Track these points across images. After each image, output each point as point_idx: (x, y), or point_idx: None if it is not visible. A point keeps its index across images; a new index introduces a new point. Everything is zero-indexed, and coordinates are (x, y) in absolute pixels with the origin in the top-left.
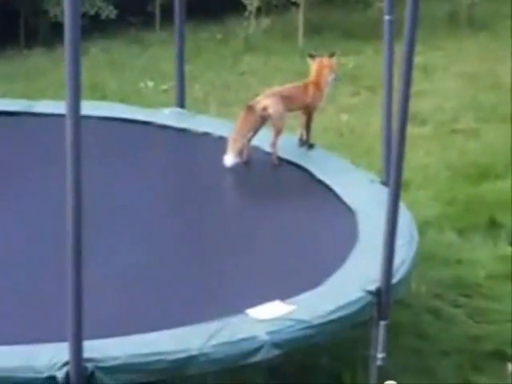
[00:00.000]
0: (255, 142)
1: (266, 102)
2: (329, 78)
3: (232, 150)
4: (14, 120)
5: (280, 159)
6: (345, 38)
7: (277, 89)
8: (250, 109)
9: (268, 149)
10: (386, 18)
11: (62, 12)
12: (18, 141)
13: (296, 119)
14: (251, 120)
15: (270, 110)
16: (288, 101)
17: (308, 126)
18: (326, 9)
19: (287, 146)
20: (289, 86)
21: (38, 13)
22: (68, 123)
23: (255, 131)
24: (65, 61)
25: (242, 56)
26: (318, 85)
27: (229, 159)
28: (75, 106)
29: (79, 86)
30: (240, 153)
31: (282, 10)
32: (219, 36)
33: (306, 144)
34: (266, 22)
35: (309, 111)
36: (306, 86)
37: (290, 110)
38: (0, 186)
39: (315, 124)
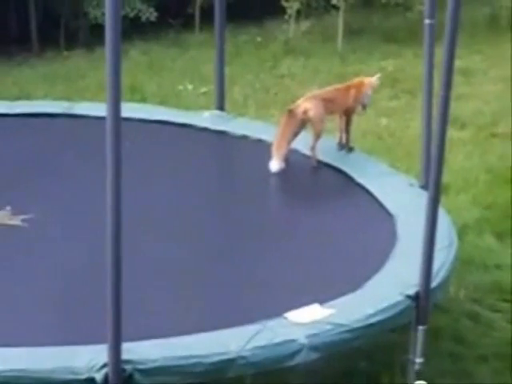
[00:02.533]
0: (295, 145)
1: (307, 105)
2: (368, 90)
3: (277, 155)
4: (54, 122)
5: (319, 162)
6: (384, 41)
7: (317, 91)
8: (291, 113)
9: (307, 152)
10: (427, 21)
11: (103, 14)
12: (57, 142)
13: (334, 122)
14: (293, 124)
15: (311, 114)
16: (329, 103)
17: (348, 129)
18: (366, 12)
19: (326, 149)
20: (330, 88)
21: (78, 15)
22: (108, 125)
23: (296, 135)
24: (105, 63)
25: (282, 59)
26: (359, 88)
27: (274, 165)
28: (116, 108)
29: (120, 89)
30: (285, 158)
31: (322, 12)
32: (259, 39)
33: (346, 147)
34: (305, 24)
35: (348, 114)
36: (347, 89)
37: (331, 112)
38: (40, 187)
39: (354, 128)
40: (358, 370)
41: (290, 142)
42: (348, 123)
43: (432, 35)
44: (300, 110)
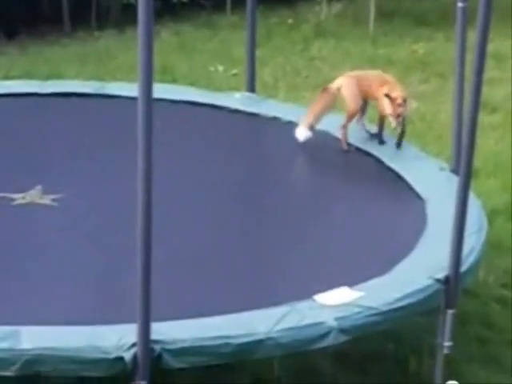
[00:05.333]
0: (326, 127)
1: (341, 81)
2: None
3: (303, 123)
4: (86, 101)
5: (349, 145)
6: (416, 25)
7: (356, 72)
8: (325, 89)
9: (338, 135)
10: (459, 5)
11: None
12: (89, 122)
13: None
14: (324, 99)
15: (344, 90)
16: (365, 86)
17: (380, 125)
18: None
19: (357, 132)
20: (369, 71)
21: None
22: (140, 106)
23: (326, 109)
24: (137, 43)
25: (313, 41)
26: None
27: (300, 133)
28: (147, 88)
29: (152, 69)
30: (311, 127)
31: None
32: (290, 21)
33: (377, 137)
34: (337, 7)
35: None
36: (382, 82)
37: (365, 96)
38: (70, 167)
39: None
40: (385, 353)
41: (317, 114)
42: (381, 121)
43: (464, 18)
44: (334, 86)
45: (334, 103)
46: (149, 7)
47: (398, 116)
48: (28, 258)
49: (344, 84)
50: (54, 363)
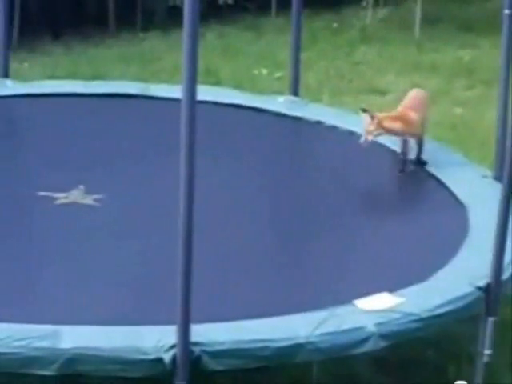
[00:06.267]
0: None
1: None
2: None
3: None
4: (129, 102)
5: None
6: (461, 31)
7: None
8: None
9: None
10: (506, 12)
11: None
12: (132, 123)
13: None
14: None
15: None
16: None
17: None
18: (444, 1)
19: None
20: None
21: None
22: (183, 108)
23: None
24: (182, 45)
25: (358, 46)
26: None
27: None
28: (191, 90)
29: (196, 71)
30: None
31: (400, 0)
32: (335, 25)
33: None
34: (383, 12)
35: None
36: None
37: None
38: (113, 168)
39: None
40: (425, 359)
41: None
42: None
43: (511, 26)
44: None
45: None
46: (194, 10)
47: (368, 132)
48: (69, 257)
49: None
50: (93, 363)
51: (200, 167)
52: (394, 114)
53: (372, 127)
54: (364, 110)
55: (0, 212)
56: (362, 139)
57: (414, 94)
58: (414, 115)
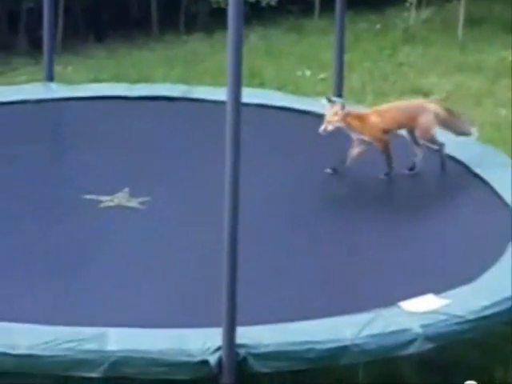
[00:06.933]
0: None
1: None
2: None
3: None
4: (173, 105)
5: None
6: (505, 31)
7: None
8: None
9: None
10: None
11: None
12: (176, 126)
13: None
14: None
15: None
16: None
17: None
18: (488, 1)
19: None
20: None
21: None
22: (228, 110)
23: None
24: (226, 48)
25: (401, 47)
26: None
27: None
28: (236, 93)
29: (241, 74)
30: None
31: (443, 1)
32: (378, 26)
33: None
34: (426, 13)
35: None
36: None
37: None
38: (158, 170)
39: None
40: (470, 362)
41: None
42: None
43: None
44: None
45: None
46: (239, 12)
47: (329, 122)
48: (114, 260)
49: None
50: (139, 365)
51: (244, 169)
52: (359, 112)
53: (336, 118)
54: (330, 100)
55: (46, 215)
56: (322, 127)
57: (398, 104)
58: (376, 120)
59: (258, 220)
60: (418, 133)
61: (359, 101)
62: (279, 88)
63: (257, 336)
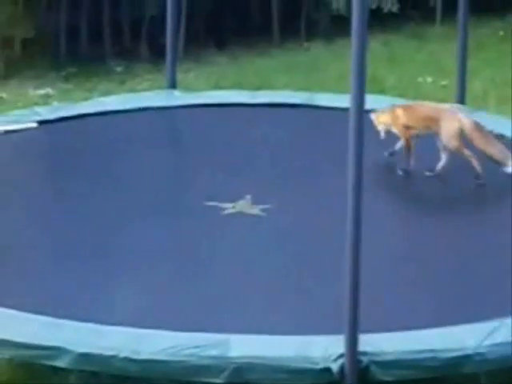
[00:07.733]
0: None
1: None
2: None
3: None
4: (295, 112)
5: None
6: None
7: None
8: None
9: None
10: None
11: (347, 5)
12: (298, 133)
13: None
14: None
15: None
16: None
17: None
18: None
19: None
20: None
21: (319, 5)
22: (352, 117)
23: None
24: (348, 55)
25: None
26: None
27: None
28: (360, 99)
29: (364, 80)
30: None
31: None
32: (501, 33)
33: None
34: None
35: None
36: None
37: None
38: (279, 178)
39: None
40: None
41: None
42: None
43: None
44: None
45: None
46: (363, 19)
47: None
48: (236, 267)
49: None
50: (261, 372)
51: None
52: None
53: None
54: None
55: (168, 222)
56: (382, 134)
57: (427, 104)
58: (399, 114)
59: (378, 226)
60: (442, 138)
61: (481, 108)
62: (400, 95)
63: (379, 344)
